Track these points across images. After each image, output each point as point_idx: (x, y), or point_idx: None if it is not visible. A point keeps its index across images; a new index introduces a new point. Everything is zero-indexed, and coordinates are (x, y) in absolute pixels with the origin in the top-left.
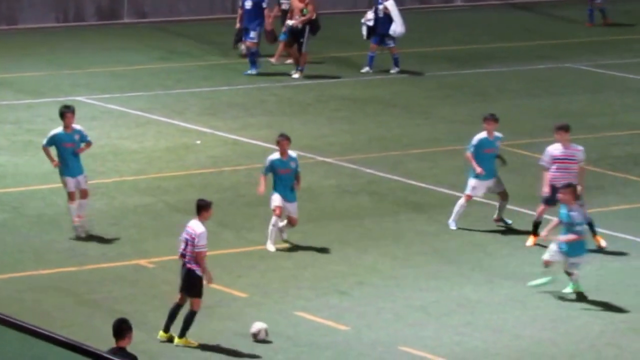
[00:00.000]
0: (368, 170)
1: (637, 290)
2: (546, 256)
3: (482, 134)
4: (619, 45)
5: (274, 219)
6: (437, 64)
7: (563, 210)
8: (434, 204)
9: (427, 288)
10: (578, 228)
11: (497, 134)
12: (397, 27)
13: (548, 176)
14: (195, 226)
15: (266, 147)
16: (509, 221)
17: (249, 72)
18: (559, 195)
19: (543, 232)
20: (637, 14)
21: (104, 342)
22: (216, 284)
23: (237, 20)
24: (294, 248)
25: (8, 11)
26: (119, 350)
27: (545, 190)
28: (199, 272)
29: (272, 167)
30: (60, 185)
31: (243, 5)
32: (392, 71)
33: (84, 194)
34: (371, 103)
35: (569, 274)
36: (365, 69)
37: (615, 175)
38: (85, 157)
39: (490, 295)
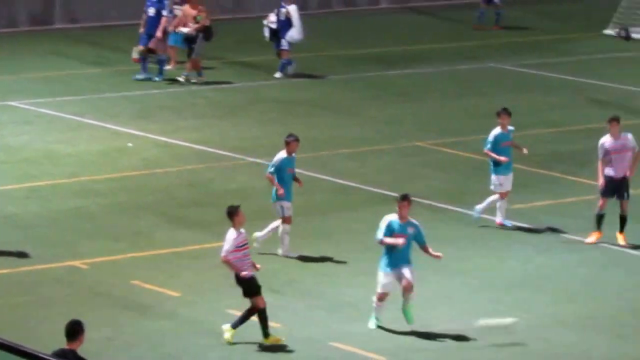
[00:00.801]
0: (298, 170)
1: (562, 283)
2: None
3: (497, 130)
4: (542, 45)
5: (287, 227)
6: (364, 65)
7: (397, 222)
8: (362, 202)
9: (357, 284)
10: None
11: (509, 127)
12: (294, 34)
13: (602, 168)
14: (227, 233)
15: (197, 149)
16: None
17: (156, 78)
18: (397, 208)
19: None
20: (560, 14)
21: (40, 343)
22: (150, 284)
23: (141, 25)
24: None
25: None
26: (69, 352)
27: (601, 182)
28: (240, 275)
29: (281, 166)
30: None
31: (146, 11)
32: (276, 75)
33: None
34: (301, 105)
35: (407, 297)
36: (278, 75)
37: (540, 172)
38: (19, 161)
39: (419, 291)
